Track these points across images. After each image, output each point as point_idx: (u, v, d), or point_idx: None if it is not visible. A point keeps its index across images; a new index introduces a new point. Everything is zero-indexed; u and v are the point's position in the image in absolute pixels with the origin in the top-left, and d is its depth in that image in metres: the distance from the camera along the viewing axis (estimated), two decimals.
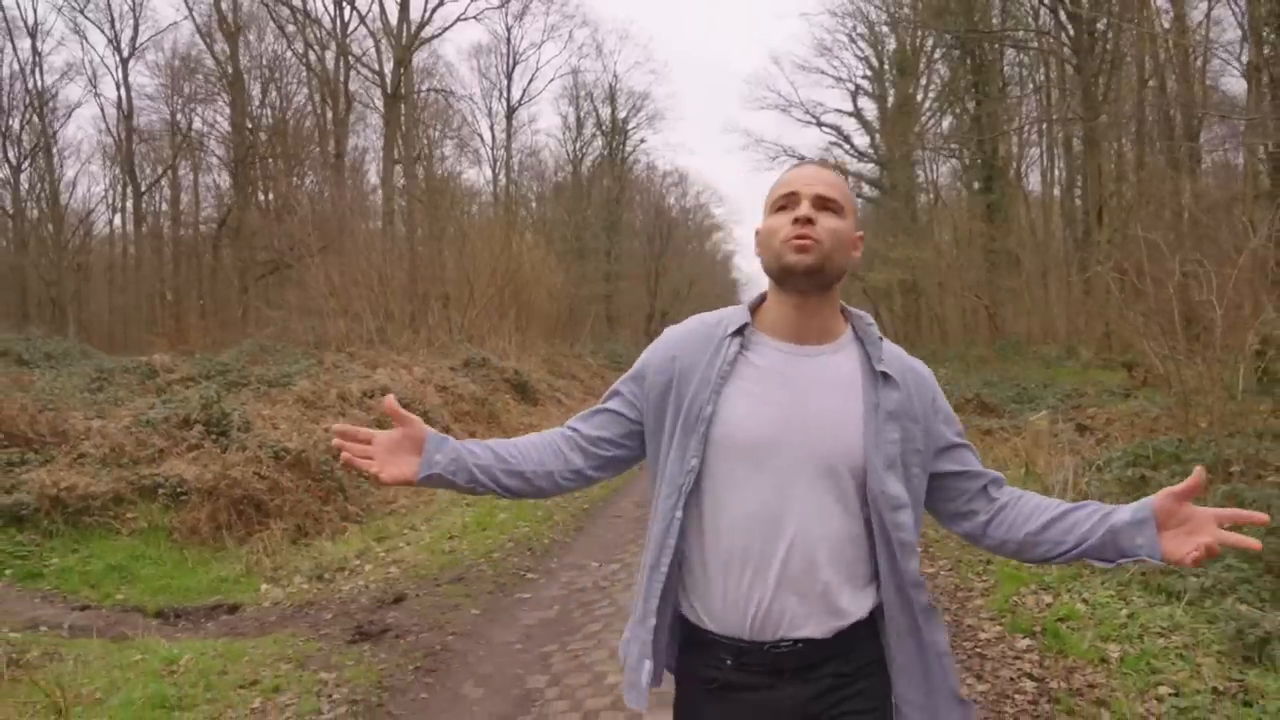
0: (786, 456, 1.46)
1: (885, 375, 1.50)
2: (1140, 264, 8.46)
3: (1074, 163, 24.91)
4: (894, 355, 1.57)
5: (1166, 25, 18.71)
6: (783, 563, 1.45)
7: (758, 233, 1.59)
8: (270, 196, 32.08)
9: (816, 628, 1.46)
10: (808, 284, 1.49)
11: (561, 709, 3.80)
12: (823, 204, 1.49)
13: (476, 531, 7.31)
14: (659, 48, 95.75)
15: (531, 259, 22.41)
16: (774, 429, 1.47)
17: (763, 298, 1.61)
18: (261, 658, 4.50)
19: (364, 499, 8.86)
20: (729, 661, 1.49)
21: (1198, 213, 13.17)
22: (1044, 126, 25.24)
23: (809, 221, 1.47)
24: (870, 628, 1.52)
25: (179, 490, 7.58)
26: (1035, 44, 22.80)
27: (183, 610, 6.27)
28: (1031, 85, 28.21)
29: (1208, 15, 20.27)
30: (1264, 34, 14.44)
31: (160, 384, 12.35)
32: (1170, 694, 3.58)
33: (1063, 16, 18.54)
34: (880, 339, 1.55)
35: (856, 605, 1.50)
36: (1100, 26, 18.06)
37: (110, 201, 38.83)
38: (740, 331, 1.55)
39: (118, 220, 37.31)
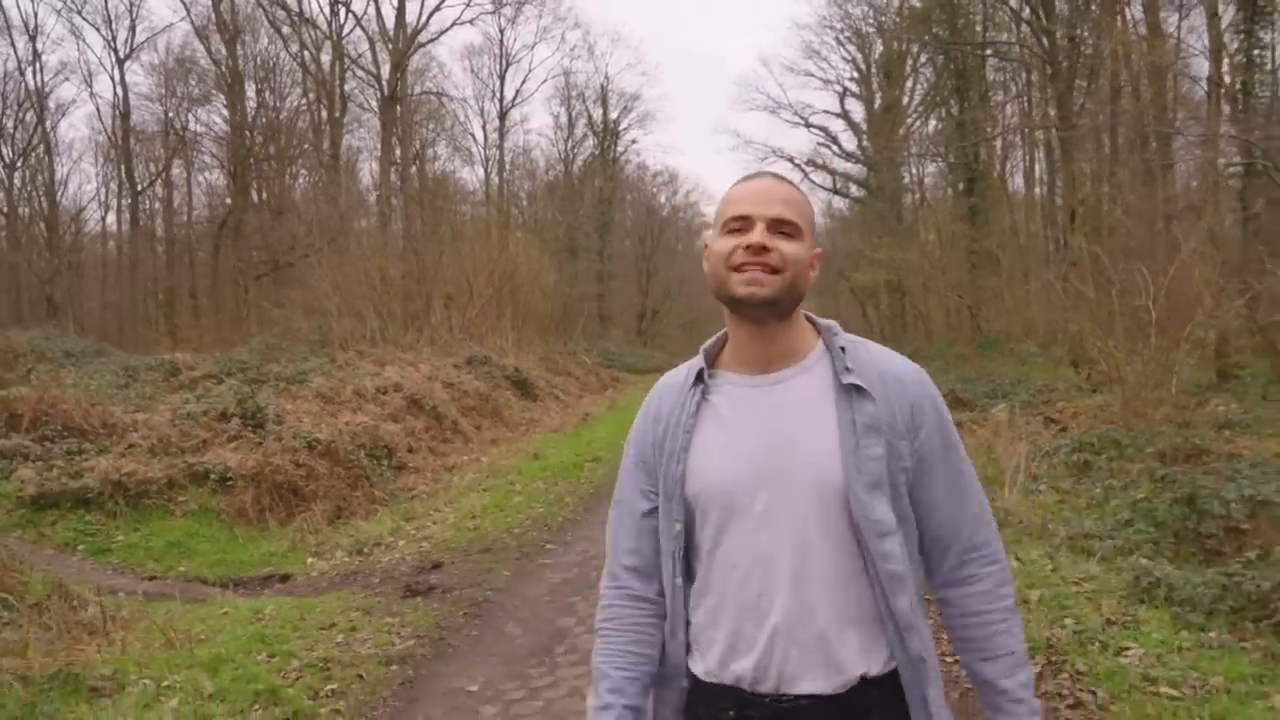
0: (766, 496, 1.38)
1: (856, 387, 1.41)
2: (1098, 269, 9.46)
3: (1055, 165, 26.02)
4: (868, 362, 1.45)
5: (1143, 32, 19.81)
6: (777, 612, 1.37)
7: (706, 251, 1.49)
8: (265, 196, 32.90)
9: (820, 683, 1.36)
10: (764, 314, 1.41)
11: (589, 642, 4.76)
12: (779, 227, 1.40)
13: (496, 512, 8.26)
14: (650, 50, 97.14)
15: (527, 259, 23.33)
16: (748, 470, 1.39)
17: (723, 338, 1.53)
18: (332, 609, 5.44)
19: (387, 485, 9.79)
20: (732, 713, 1.40)
21: (1166, 217, 14.24)
22: (1024, 132, 26.32)
23: (764, 249, 1.37)
24: (888, 691, 1.39)
25: (225, 476, 8.49)
26: (1013, 54, 23.89)
27: (240, 579, 7.18)
28: (1014, 90, 29.33)
29: (1179, 26, 21.42)
30: (1222, 50, 15.51)
31: (183, 381, 13.26)
32: (1073, 623, 4.57)
33: (1037, 28, 19.61)
34: (844, 348, 1.46)
35: (865, 657, 1.38)
36: (1074, 38, 19.12)
37: (103, 200, 39.59)
38: (699, 378, 1.48)
39: (110, 218, 38.11)
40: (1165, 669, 3.91)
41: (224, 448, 9.07)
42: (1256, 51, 21.67)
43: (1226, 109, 15.02)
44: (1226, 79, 16.99)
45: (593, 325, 33.71)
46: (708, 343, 1.54)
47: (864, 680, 1.36)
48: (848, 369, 1.42)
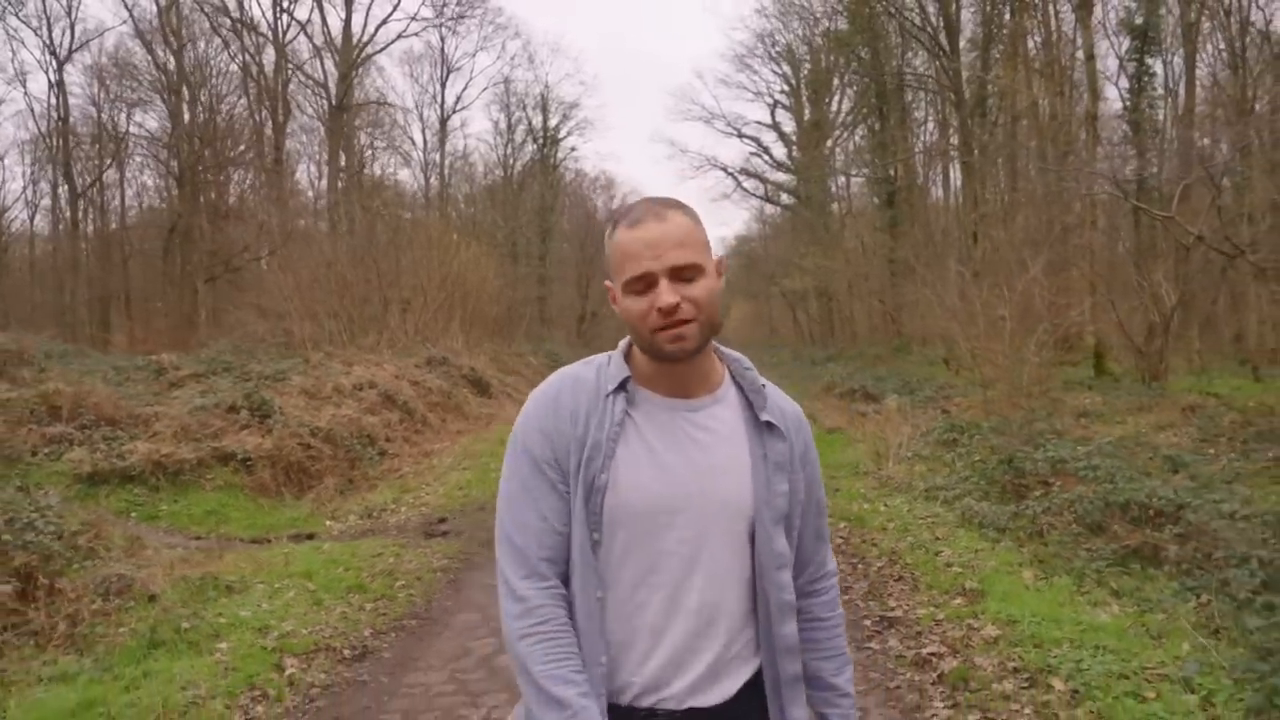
0: (684, 520, 1.43)
1: (770, 425, 1.49)
2: (965, 283, 11.78)
3: (969, 180, 28.83)
4: (774, 401, 1.54)
5: (1042, 56, 22.52)
6: (675, 631, 1.43)
7: (612, 296, 1.50)
8: (212, 197, 33.95)
9: (702, 697, 1.45)
10: (691, 359, 1.45)
11: None
12: (680, 274, 1.40)
13: (479, 484, 10.18)
14: (597, 57, 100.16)
15: (476, 266, 25.12)
16: (669, 492, 1.43)
17: (631, 344, 1.53)
18: (373, 547, 7.33)
19: (377, 468, 11.61)
20: None
21: (1031, 242, 16.76)
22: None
23: (675, 307, 1.38)
24: (757, 691, 1.50)
25: (246, 458, 10.24)
26: (927, 84, 26.57)
27: (273, 537, 8.97)
28: (931, 111, 32.13)
29: (1072, 56, 24.23)
30: (1097, 88, 18.12)
31: (171, 379, 14.81)
32: (911, 539, 6.73)
33: (944, 63, 22.20)
34: (762, 385, 1.53)
35: (744, 669, 1.49)
36: (981, 78, 21.75)
37: (29, 199, 40.09)
38: (622, 386, 1.48)
39: (39, 218, 38.70)
40: (961, 560, 6.08)
41: (237, 435, 10.80)
42: (1145, 79, 24.73)
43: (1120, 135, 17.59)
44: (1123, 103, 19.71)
45: (534, 327, 35.57)
46: (622, 346, 1.54)
47: (737, 694, 1.47)
48: (764, 406, 1.50)
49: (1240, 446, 10.22)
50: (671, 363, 1.45)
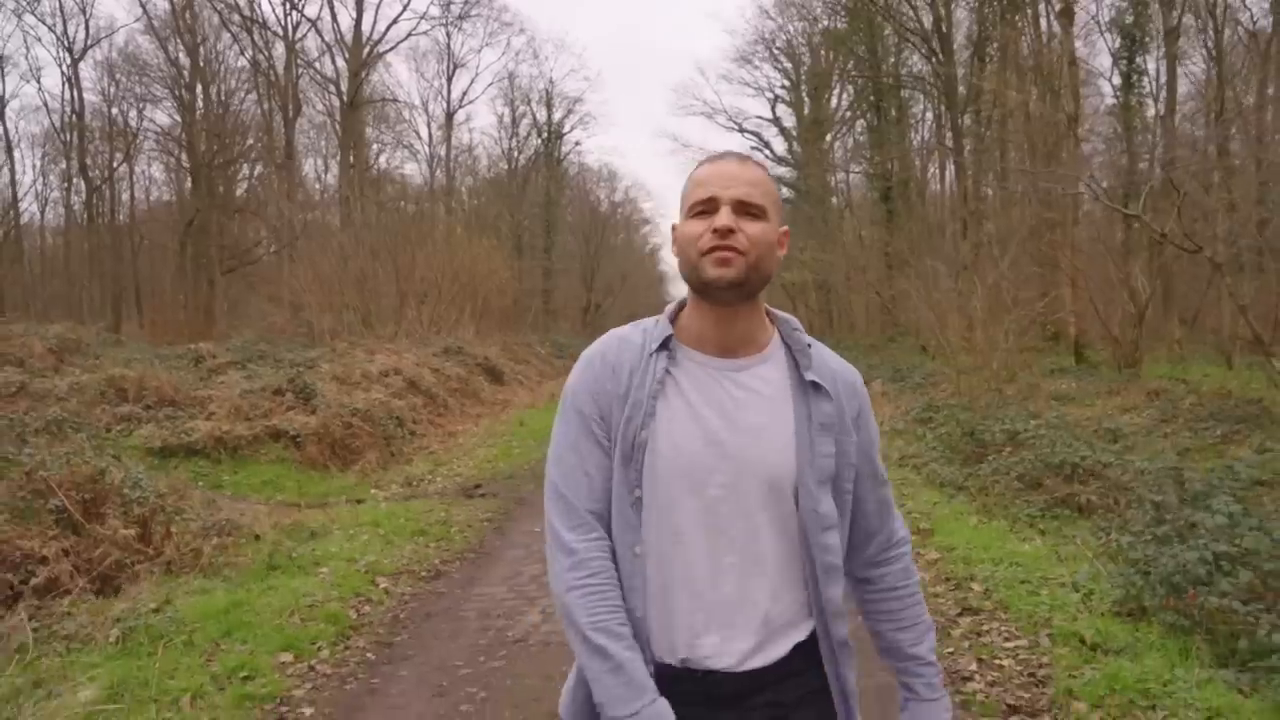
0: (721, 478, 1.47)
1: (815, 385, 1.51)
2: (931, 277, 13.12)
3: (960, 177, 30.14)
4: (822, 361, 1.57)
5: (1035, 53, 23.77)
6: (719, 589, 1.47)
7: (674, 233, 1.57)
8: (220, 191, 35.25)
9: (755, 658, 1.48)
10: (731, 296, 1.48)
11: None
12: (744, 209, 1.47)
13: (505, 458, 11.54)
14: (594, 56, 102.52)
15: (486, 260, 26.47)
16: (708, 450, 1.47)
17: (682, 304, 1.60)
18: (424, 506, 8.67)
19: (409, 445, 12.96)
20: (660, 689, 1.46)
21: (1030, 231, 18.09)
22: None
23: (730, 231, 1.44)
24: (812, 655, 1.54)
25: (295, 435, 11.57)
26: (921, 86, 27.89)
27: (326, 503, 10.32)
28: (929, 105, 33.41)
29: (1059, 59, 25.47)
30: (1079, 93, 19.38)
31: (210, 367, 16.17)
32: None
33: (937, 65, 23.52)
34: (809, 344, 1.56)
35: (794, 632, 1.53)
36: (971, 83, 23.09)
37: (39, 192, 41.46)
38: (665, 345, 1.53)
39: (49, 212, 40.10)
40: (920, 509, 7.43)
41: (285, 414, 12.13)
42: (1134, 77, 26.05)
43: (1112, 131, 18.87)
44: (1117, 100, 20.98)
45: (540, 319, 37.00)
46: (669, 309, 1.59)
47: (787, 656, 1.51)
48: (810, 366, 1.53)
49: (1193, 425, 11.56)
50: (714, 299, 1.50)
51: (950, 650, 4.50)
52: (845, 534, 1.57)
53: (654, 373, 1.51)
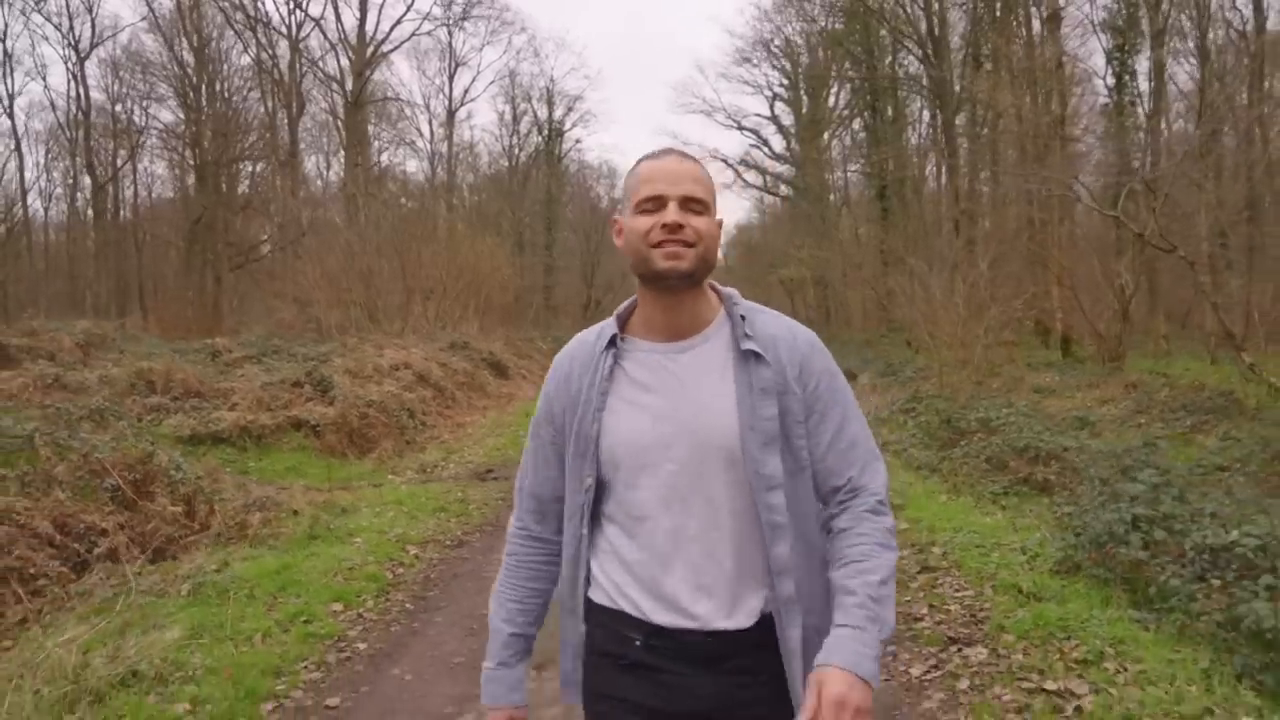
0: (674, 455, 1.59)
1: (754, 354, 1.60)
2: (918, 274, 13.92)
3: (952, 177, 30.94)
4: (763, 327, 1.65)
5: (1026, 56, 24.56)
6: (687, 555, 1.59)
7: (616, 227, 1.68)
8: (223, 189, 36.02)
9: (723, 620, 1.59)
10: (682, 285, 1.60)
11: None
12: (689, 204, 1.58)
13: (513, 446, 12.32)
14: (595, 54, 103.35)
15: (489, 257, 27.25)
16: (656, 431, 1.60)
17: (634, 304, 1.71)
18: (441, 487, 9.46)
19: (420, 435, 13.75)
20: (638, 642, 1.62)
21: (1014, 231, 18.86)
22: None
23: (680, 227, 1.55)
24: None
25: (315, 425, 12.36)
26: (914, 88, 28.69)
27: (347, 487, 11.11)
28: (926, 103, 34.18)
29: (1049, 62, 26.23)
30: (1066, 98, 20.14)
31: (226, 361, 16.95)
32: None
33: (930, 68, 24.31)
34: (743, 316, 1.64)
35: (760, 595, 1.61)
36: (961, 87, 23.88)
37: (42, 189, 42.21)
38: (613, 343, 1.67)
39: (52, 209, 40.88)
40: (896, 489, 8.20)
41: (305, 405, 12.92)
42: (1125, 77, 26.82)
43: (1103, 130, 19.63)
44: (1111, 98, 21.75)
45: (542, 315, 37.81)
46: (620, 308, 1.72)
47: (759, 619, 1.60)
48: (747, 335, 1.62)
49: (1165, 416, 12.35)
50: (665, 289, 1.61)
51: (907, 599, 5.29)
52: (809, 489, 1.64)
53: (602, 370, 1.66)
